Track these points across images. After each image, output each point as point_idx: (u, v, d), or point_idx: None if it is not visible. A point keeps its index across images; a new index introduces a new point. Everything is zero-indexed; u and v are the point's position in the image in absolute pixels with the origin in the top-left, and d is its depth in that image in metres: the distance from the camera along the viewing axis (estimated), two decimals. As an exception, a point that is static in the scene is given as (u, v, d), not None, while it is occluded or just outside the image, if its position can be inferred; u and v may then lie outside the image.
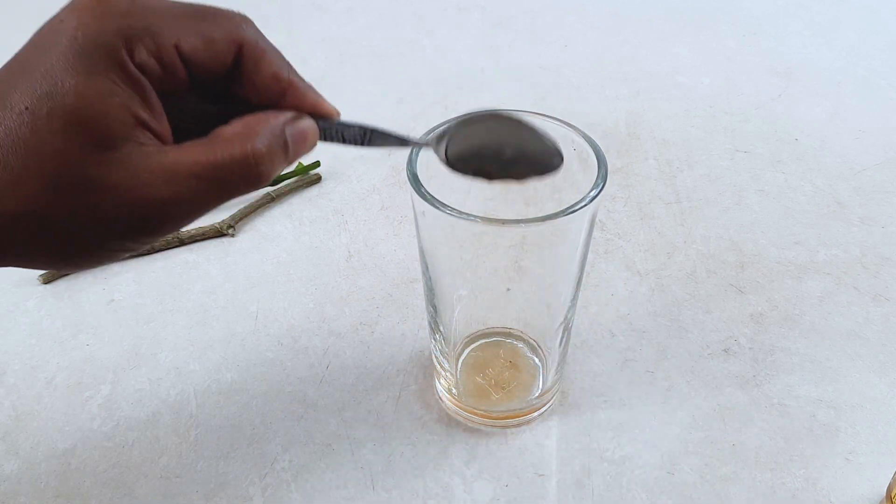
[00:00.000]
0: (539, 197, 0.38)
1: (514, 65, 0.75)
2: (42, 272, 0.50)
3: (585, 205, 0.31)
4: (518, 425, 0.41)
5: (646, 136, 0.63)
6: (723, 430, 0.40)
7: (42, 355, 0.45)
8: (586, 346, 0.45)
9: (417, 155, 0.34)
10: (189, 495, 0.38)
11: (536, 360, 0.42)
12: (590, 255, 0.43)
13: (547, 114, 0.36)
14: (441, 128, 0.33)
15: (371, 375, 0.43)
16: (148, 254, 0.52)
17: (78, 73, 0.24)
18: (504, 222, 0.31)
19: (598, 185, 0.32)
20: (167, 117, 0.27)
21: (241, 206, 0.55)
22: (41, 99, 0.24)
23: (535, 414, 0.41)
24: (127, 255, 0.27)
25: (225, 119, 0.28)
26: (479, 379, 0.41)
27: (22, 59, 0.25)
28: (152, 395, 0.43)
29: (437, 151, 0.32)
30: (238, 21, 0.28)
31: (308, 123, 0.29)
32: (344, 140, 0.30)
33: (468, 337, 0.42)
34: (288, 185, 0.58)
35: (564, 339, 0.39)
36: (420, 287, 0.46)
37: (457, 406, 0.41)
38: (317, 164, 0.59)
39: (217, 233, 0.54)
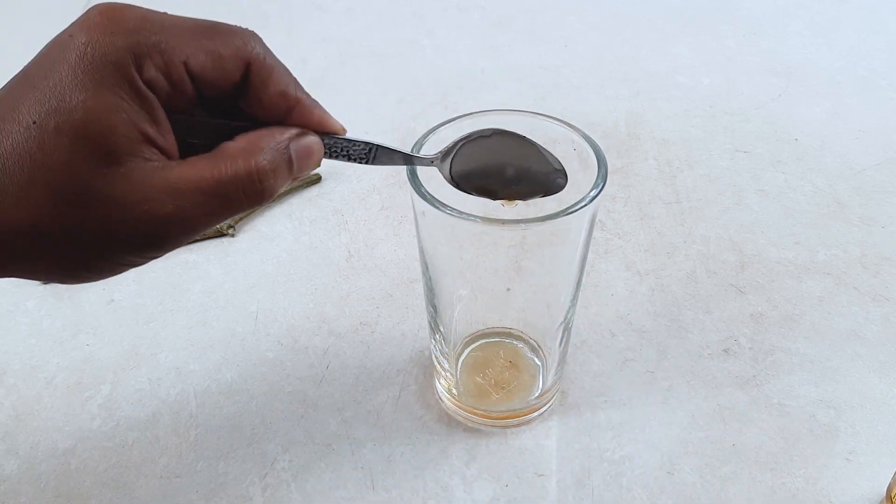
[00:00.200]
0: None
1: (514, 65, 0.75)
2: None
3: (585, 205, 0.31)
4: (518, 425, 0.41)
5: (646, 136, 0.63)
6: (723, 430, 0.40)
7: (42, 355, 0.45)
8: (586, 346, 0.45)
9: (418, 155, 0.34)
10: (189, 495, 0.38)
11: (536, 360, 0.42)
12: (590, 255, 0.43)
13: (547, 114, 0.36)
14: (446, 146, 0.33)
15: (371, 375, 0.43)
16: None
17: (86, 89, 0.24)
18: (504, 222, 0.31)
19: (598, 185, 0.32)
20: (174, 132, 0.27)
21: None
22: (49, 113, 0.24)
23: (535, 414, 0.41)
24: (128, 269, 0.27)
25: (231, 134, 0.28)
26: (479, 379, 0.41)
27: (30, 73, 0.25)
28: (152, 395, 0.43)
29: (441, 169, 0.33)
30: (247, 38, 0.28)
31: (313, 140, 0.29)
32: (349, 157, 0.31)
33: (468, 337, 0.42)
34: (288, 186, 0.57)
35: (564, 339, 0.39)
36: (420, 287, 0.46)
37: (457, 406, 0.41)
38: (317, 164, 0.59)
39: (217, 233, 0.54)
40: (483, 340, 0.43)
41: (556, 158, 0.33)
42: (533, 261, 0.35)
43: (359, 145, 0.30)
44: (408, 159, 0.32)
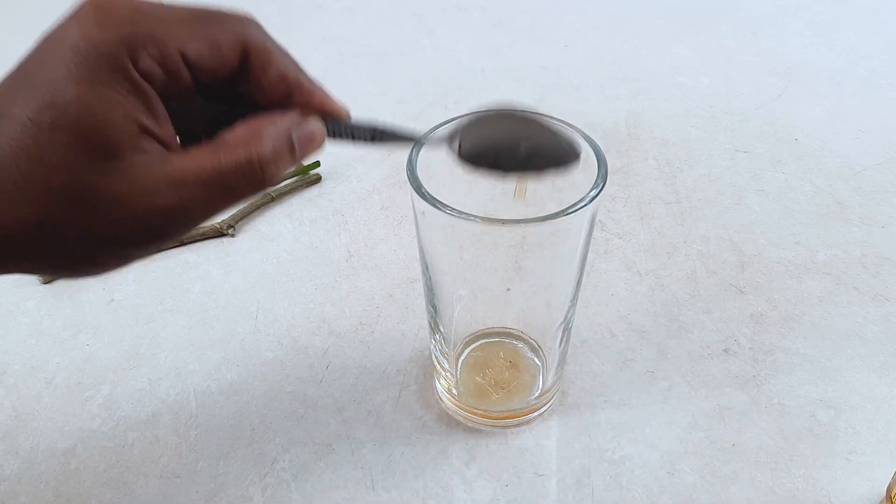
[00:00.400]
0: (539, 197, 0.38)
1: (514, 65, 0.75)
2: (42, 272, 0.50)
3: (585, 205, 0.31)
4: (518, 425, 0.41)
5: (646, 136, 0.63)
6: (723, 430, 0.40)
7: (42, 355, 0.45)
8: (586, 346, 0.45)
9: (418, 155, 0.33)
10: (189, 495, 0.38)
11: (536, 360, 0.42)
12: (590, 255, 0.43)
13: (547, 114, 0.36)
14: (452, 124, 0.32)
15: (371, 375, 0.43)
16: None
17: (80, 83, 0.24)
18: (504, 222, 0.31)
19: (598, 185, 0.32)
20: (172, 121, 0.27)
21: (241, 206, 0.55)
22: (44, 109, 0.23)
23: (535, 414, 0.41)
24: (134, 262, 0.27)
25: (232, 120, 0.27)
26: (479, 379, 0.41)
27: (24, 69, 0.25)
28: (152, 395, 0.43)
29: (450, 147, 0.32)
30: (243, 23, 0.27)
31: (315, 124, 0.29)
32: (353, 138, 0.30)
33: (468, 337, 0.42)
34: (288, 185, 0.58)
35: (564, 339, 0.39)
36: (420, 287, 0.46)
37: (457, 406, 0.41)
38: (317, 164, 0.59)
39: (217, 233, 0.54)
40: (483, 340, 0.43)
41: (569, 136, 0.32)
42: (533, 261, 0.35)
43: (362, 127, 0.30)
44: (413, 139, 0.31)
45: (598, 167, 0.33)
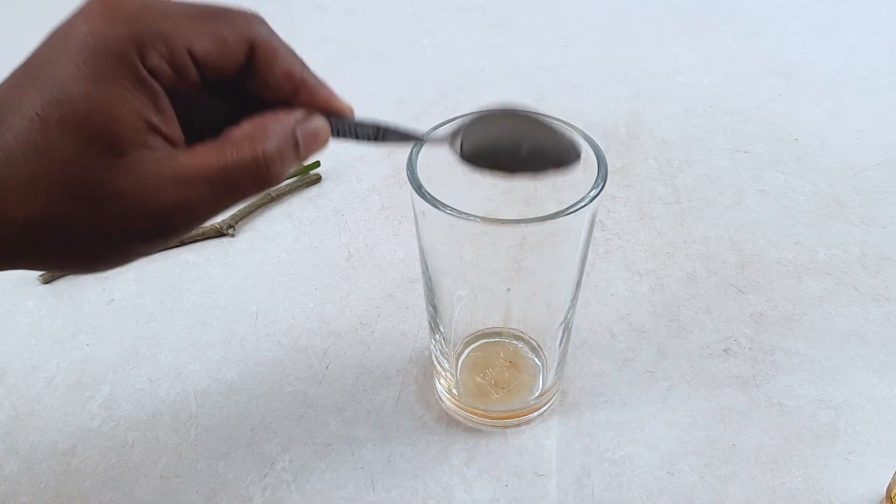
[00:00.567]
0: (539, 197, 0.38)
1: (514, 65, 0.75)
2: (42, 272, 0.50)
3: (585, 205, 0.31)
4: (518, 425, 0.41)
5: (646, 136, 0.63)
6: (723, 430, 0.40)
7: (42, 355, 0.45)
8: (586, 346, 0.45)
9: (418, 155, 0.34)
10: (189, 495, 0.38)
11: (536, 360, 0.42)
12: (590, 255, 0.43)
13: (547, 114, 0.36)
14: (455, 123, 0.32)
15: (371, 375, 0.43)
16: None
17: (88, 80, 0.24)
18: (504, 222, 0.31)
19: (598, 185, 0.32)
20: (178, 118, 0.27)
21: (241, 206, 0.55)
22: (52, 106, 0.23)
23: (535, 414, 0.41)
24: (138, 258, 0.27)
25: (237, 117, 0.27)
26: (479, 379, 0.41)
27: (32, 65, 0.25)
28: (152, 395, 0.43)
29: (451, 146, 0.32)
30: (250, 20, 0.27)
31: (319, 122, 0.29)
32: (357, 137, 0.30)
33: (468, 337, 0.42)
34: (288, 185, 0.58)
35: (564, 339, 0.39)
36: (420, 287, 0.46)
37: (457, 406, 0.41)
38: (317, 164, 0.59)
39: (217, 233, 0.54)
40: (483, 340, 0.43)
41: (569, 135, 0.32)
42: (533, 261, 0.35)
43: (367, 125, 0.30)
44: (416, 137, 0.31)
45: (598, 167, 0.33)
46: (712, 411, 0.41)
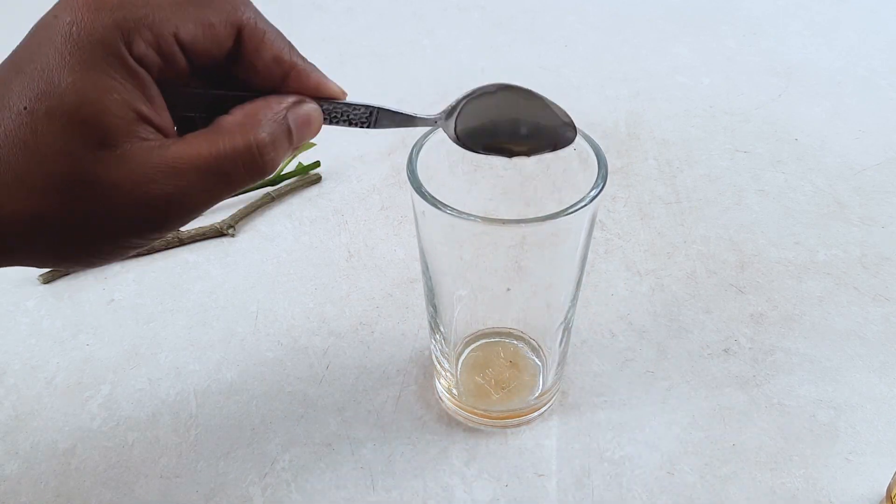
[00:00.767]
0: (539, 197, 0.38)
1: (514, 65, 0.75)
2: (42, 272, 0.50)
3: (585, 205, 0.31)
4: (518, 425, 0.41)
5: (646, 136, 0.63)
6: (723, 430, 0.40)
7: (42, 355, 0.45)
8: (586, 346, 0.45)
9: (418, 155, 0.34)
10: (189, 495, 0.38)
11: (536, 360, 0.42)
12: (590, 255, 0.43)
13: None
14: (450, 103, 0.32)
15: (371, 375, 0.43)
16: (148, 254, 0.52)
17: (74, 70, 0.23)
18: (504, 222, 0.31)
19: (598, 185, 0.32)
20: (168, 106, 0.26)
21: (241, 206, 0.55)
22: (39, 98, 0.23)
23: (535, 414, 0.41)
24: (134, 251, 0.27)
25: (228, 105, 0.27)
26: (479, 379, 0.41)
27: (18, 58, 0.24)
28: (152, 395, 0.43)
29: (445, 128, 0.32)
30: (236, 3, 0.27)
31: (311, 107, 0.28)
32: (350, 122, 0.30)
33: (468, 337, 0.42)
34: (288, 185, 0.58)
35: (564, 339, 0.39)
36: (420, 287, 0.46)
37: (457, 406, 0.41)
38: (317, 164, 0.59)
39: (217, 233, 0.54)
40: (483, 340, 0.43)
41: (565, 111, 0.32)
42: (533, 261, 0.35)
43: (359, 109, 0.30)
44: (410, 120, 0.31)
45: (598, 167, 0.33)
46: (712, 411, 0.41)
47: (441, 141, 0.34)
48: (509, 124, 0.32)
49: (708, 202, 0.56)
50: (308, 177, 0.58)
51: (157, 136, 0.25)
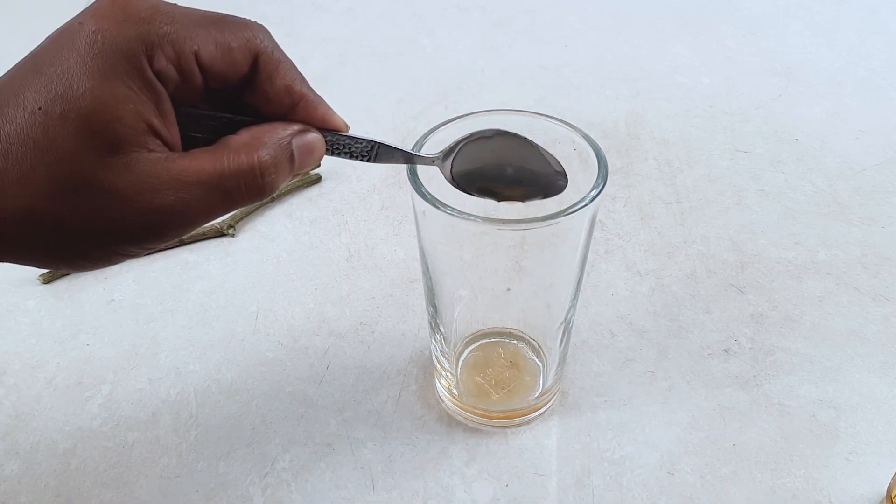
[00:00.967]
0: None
1: (514, 65, 0.75)
2: (42, 272, 0.50)
3: (585, 205, 0.31)
4: (518, 425, 0.41)
5: (646, 136, 0.63)
6: (723, 430, 0.40)
7: (42, 355, 0.45)
8: (586, 346, 0.45)
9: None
10: (189, 495, 0.38)
11: (537, 360, 0.42)
12: (590, 255, 0.43)
13: (547, 114, 0.36)
14: (447, 145, 0.33)
15: (371, 375, 0.43)
16: (148, 254, 0.52)
17: (94, 77, 0.24)
18: (504, 222, 0.31)
19: (598, 185, 0.32)
20: (178, 124, 0.27)
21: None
22: (55, 100, 0.24)
23: (536, 414, 0.41)
24: (127, 259, 0.27)
25: (234, 129, 0.28)
26: (479, 379, 0.41)
27: (37, 60, 0.25)
28: (152, 395, 0.43)
29: (442, 169, 0.33)
30: (256, 31, 0.28)
31: (315, 137, 0.29)
32: (351, 155, 0.31)
33: (468, 337, 0.42)
34: (288, 185, 0.57)
35: (564, 339, 0.39)
36: (420, 287, 0.46)
37: (457, 406, 0.41)
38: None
39: (217, 233, 0.54)
40: (483, 340, 0.43)
41: (557, 160, 0.33)
42: (533, 261, 0.35)
43: (361, 143, 0.31)
44: (409, 158, 0.32)
45: (598, 167, 0.33)
46: (712, 411, 0.41)
47: (441, 141, 0.34)
48: (503, 169, 0.33)
49: (708, 202, 0.56)
50: (308, 177, 0.58)
51: (163, 150, 0.26)
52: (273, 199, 0.57)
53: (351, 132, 0.31)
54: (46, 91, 0.24)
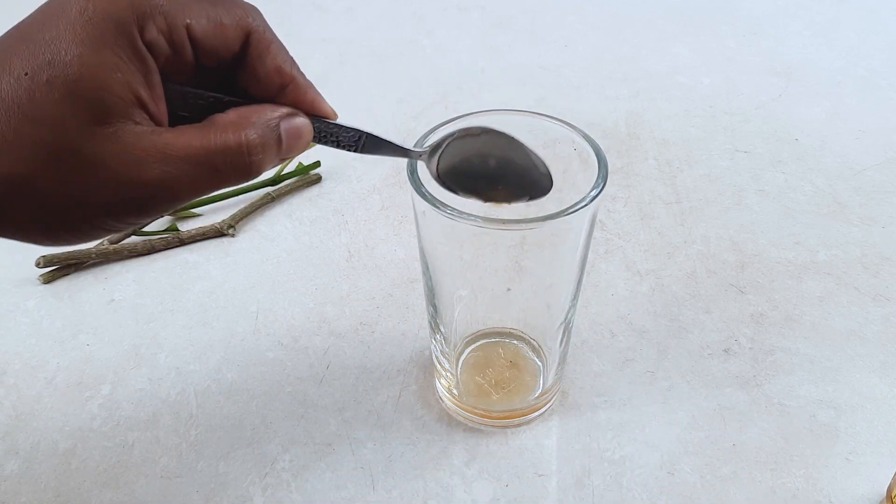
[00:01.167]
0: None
1: (514, 65, 0.75)
2: (42, 272, 0.50)
3: (585, 205, 0.31)
4: (518, 425, 0.41)
5: (646, 136, 0.63)
6: (723, 430, 0.40)
7: (42, 355, 0.45)
8: (586, 346, 0.45)
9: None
10: (189, 495, 0.38)
11: (537, 360, 0.42)
12: (590, 255, 0.43)
13: (547, 114, 0.36)
14: (434, 141, 0.33)
15: (371, 375, 0.43)
16: (148, 254, 0.52)
17: (83, 45, 0.24)
18: (504, 222, 0.31)
19: (598, 185, 0.32)
20: (165, 101, 0.27)
21: (241, 206, 0.55)
22: (42, 66, 0.23)
23: (536, 414, 0.41)
24: (109, 234, 0.27)
25: (221, 109, 0.28)
26: (479, 379, 0.41)
27: (26, 27, 0.25)
28: (152, 395, 0.43)
29: (428, 165, 0.33)
30: (248, 9, 0.28)
31: (303, 121, 0.29)
32: (339, 144, 0.30)
33: (468, 337, 0.42)
34: (288, 185, 0.58)
35: (564, 339, 0.39)
36: (420, 287, 0.46)
37: (457, 406, 0.41)
38: (317, 164, 0.59)
39: (217, 233, 0.54)
40: (483, 340, 0.43)
41: (543, 162, 0.32)
42: (533, 261, 0.35)
43: (349, 132, 0.30)
44: (396, 150, 0.32)
45: (598, 167, 0.33)
46: (712, 411, 0.41)
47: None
48: (489, 170, 0.33)
49: (708, 202, 0.56)
50: (308, 177, 0.58)
51: (150, 123, 0.26)
52: (273, 199, 0.57)
53: (339, 120, 0.30)
54: (34, 57, 0.23)
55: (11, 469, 0.39)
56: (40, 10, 0.25)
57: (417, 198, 0.32)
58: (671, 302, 0.48)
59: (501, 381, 0.41)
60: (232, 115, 0.27)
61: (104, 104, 0.24)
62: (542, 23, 0.82)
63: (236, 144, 0.26)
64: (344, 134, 0.30)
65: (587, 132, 0.34)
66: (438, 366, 0.41)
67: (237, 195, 0.56)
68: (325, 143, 0.30)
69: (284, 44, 0.29)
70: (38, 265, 0.50)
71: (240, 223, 0.55)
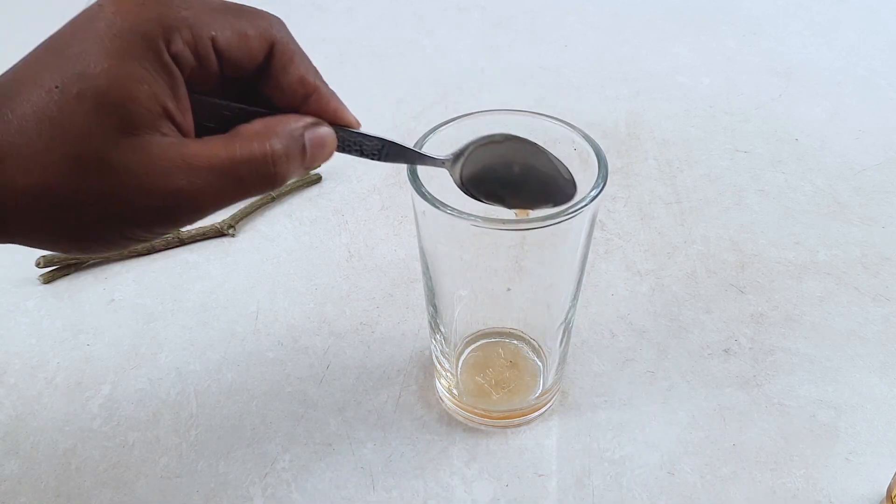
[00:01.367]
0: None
1: (514, 65, 0.75)
2: (42, 272, 0.50)
3: (585, 205, 0.31)
4: (518, 425, 0.41)
5: (646, 136, 0.63)
6: (723, 430, 0.40)
7: (42, 355, 0.45)
8: (586, 346, 0.45)
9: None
10: (189, 495, 0.38)
11: (537, 360, 0.42)
12: (590, 255, 0.43)
13: (547, 114, 0.36)
14: (458, 148, 0.33)
15: (371, 375, 0.43)
16: (148, 254, 0.52)
17: (112, 57, 0.24)
18: (504, 222, 0.31)
19: (598, 185, 0.32)
20: (191, 112, 0.27)
21: (242, 205, 0.55)
22: (72, 79, 0.24)
23: (536, 414, 0.41)
24: (135, 244, 0.27)
25: (247, 120, 0.28)
26: (479, 379, 0.41)
27: (56, 41, 0.25)
28: (152, 395, 0.43)
29: (451, 172, 0.33)
30: (272, 21, 0.28)
31: (327, 131, 0.29)
32: (362, 152, 0.31)
33: (468, 337, 0.42)
34: (288, 185, 0.58)
35: (564, 339, 0.39)
36: (420, 287, 0.46)
37: (457, 406, 0.41)
38: (317, 164, 0.59)
39: (217, 233, 0.54)
40: (483, 340, 0.43)
41: (567, 168, 0.33)
42: (533, 261, 0.35)
43: (372, 141, 0.30)
44: (420, 158, 0.32)
45: (598, 167, 0.33)
46: (712, 411, 0.41)
47: (441, 141, 0.34)
48: (513, 177, 0.33)
49: (708, 202, 0.56)
50: (308, 177, 0.58)
51: (176, 135, 0.26)
52: (273, 199, 0.57)
53: (362, 129, 0.30)
54: (63, 70, 0.24)
55: (11, 469, 0.39)
56: (69, 25, 0.25)
57: (417, 198, 0.32)
58: (671, 302, 0.48)
59: (501, 381, 0.41)
60: (256, 125, 0.27)
61: (132, 115, 0.24)
62: (542, 23, 0.82)
63: (261, 155, 0.27)
64: (367, 143, 0.30)
65: (587, 132, 0.35)
66: (438, 366, 0.41)
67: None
68: (349, 152, 0.30)
69: None
70: (38, 265, 0.50)
71: (240, 223, 0.55)
